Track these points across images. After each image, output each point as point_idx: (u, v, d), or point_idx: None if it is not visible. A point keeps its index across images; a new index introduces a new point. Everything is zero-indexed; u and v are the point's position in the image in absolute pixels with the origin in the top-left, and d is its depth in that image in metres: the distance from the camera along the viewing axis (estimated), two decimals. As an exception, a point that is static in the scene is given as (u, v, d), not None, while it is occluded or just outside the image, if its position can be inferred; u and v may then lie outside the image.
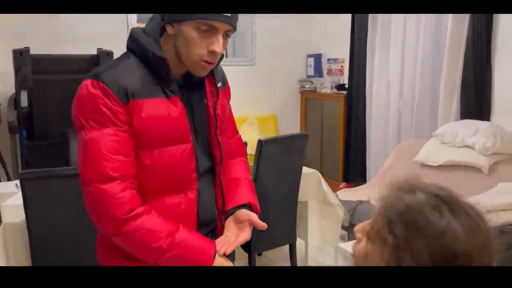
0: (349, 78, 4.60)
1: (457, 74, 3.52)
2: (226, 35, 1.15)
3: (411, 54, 3.95)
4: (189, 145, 1.21)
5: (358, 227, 0.83)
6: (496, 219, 2.45)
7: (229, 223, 1.28)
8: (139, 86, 1.14)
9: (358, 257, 0.80)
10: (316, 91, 4.96)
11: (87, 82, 1.13)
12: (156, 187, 1.19)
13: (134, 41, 1.19)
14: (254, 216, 1.27)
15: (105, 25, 4.05)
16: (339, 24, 4.67)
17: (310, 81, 5.09)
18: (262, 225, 1.26)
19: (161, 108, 1.16)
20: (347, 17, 4.50)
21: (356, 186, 4.01)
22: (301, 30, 5.05)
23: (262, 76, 4.97)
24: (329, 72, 5.00)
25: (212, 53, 1.13)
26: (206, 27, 1.10)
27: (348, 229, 3.17)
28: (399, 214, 0.73)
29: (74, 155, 2.81)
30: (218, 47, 1.13)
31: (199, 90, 1.27)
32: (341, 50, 4.73)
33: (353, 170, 4.57)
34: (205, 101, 1.27)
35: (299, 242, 3.01)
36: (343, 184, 4.39)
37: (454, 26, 3.47)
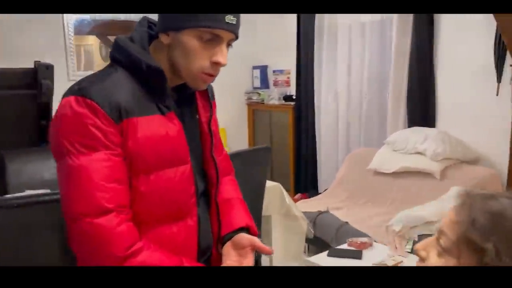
0: (296, 89, 4.64)
1: (403, 84, 3.68)
2: (229, 45, 1.06)
3: (357, 66, 4.08)
4: (188, 166, 1.09)
5: (419, 246, 0.81)
6: None
7: (228, 250, 1.16)
8: (131, 102, 1.00)
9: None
10: (263, 103, 4.95)
11: (70, 99, 0.97)
12: (153, 216, 1.05)
13: (121, 51, 1.04)
14: (257, 241, 1.17)
15: (41, 37, 3.75)
16: (284, 36, 4.71)
17: (257, 93, 5.07)
18: (268, 250, 1.16)
19: (157, 127, 1.03)
20: (292, 28, 4.55)
21: (310, 197, 4.03)
22: (246, 42, 5.02)
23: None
24: (276, 83, 5.02)
25: (216, 64, 1.03)
26: (210, 36, 1.00)
27: (312, 241, 3.14)
28: (490, 218, 0.72)
29: (14, 181, 2.52)
30: (222, 58, 1.02)
31: (191, 105, 1.16)
32: (287, 62, 4.77)
33: (305, 181, 4.59)
34: (197, 116, 1.17)
35: (264, 258, 2.94)
36: (298, 195, 4.39)
37: (399, 38, 3.63)
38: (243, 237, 1.17)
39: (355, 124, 4.19)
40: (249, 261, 1.15)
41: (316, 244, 3.18)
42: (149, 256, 0.98)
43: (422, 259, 0.81)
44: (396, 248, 2.63)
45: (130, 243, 0.97)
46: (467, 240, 0.73)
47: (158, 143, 1.03)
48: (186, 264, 1.02)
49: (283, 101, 4.77)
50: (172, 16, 1.01)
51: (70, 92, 0.99)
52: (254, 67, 5.19)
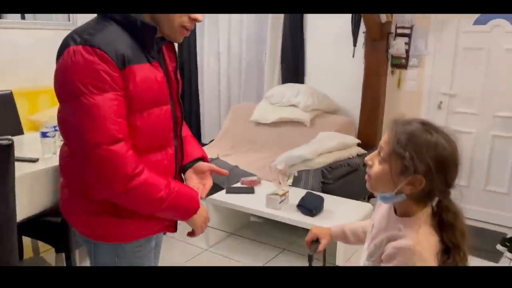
0: (179, 52, 4.82)
1: (278, 46, 4.18)
2: None
3: (237, 29, 4.44)
4: (168, 107, 1.32)
5: (367, 158, 1.16)
6: (325, 160, 3.23)
7: (190, 175, 1.46)
8: (129, 52, 1.19)
9: (373, 178, 1.13)
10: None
11: (79, 48, 1.13)
12: (144, 146, 1.26)
13: None
14: (214, 166, 1.49)
15: None
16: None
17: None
18: (224, 172, 1.48)
19: (149, 73, 1.24)
20: None
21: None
22: None
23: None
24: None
25: (194, 20, 1.26)
26: None
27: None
28: (408, 137, 1.07)
29: None
30: (200, 15, 1.27)
31: (161, 56, 1.36)
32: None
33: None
34: (165, 65, 1.37)
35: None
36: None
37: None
38: (203, 164, 1.48)
39: (235, 82, 4.60)
40: (209, 181, 1.47)
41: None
42: (148, 175, 1.22)
43: (369, 166, 1.15)
44: (280, 183, 3.17)
45: (136, 165, 1.20)
46: (395, 152, 1.09)
47: (150, 86, 1.24)
48: (172, 183, 1.28)
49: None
50: None
51: (74, 42, 1.14)
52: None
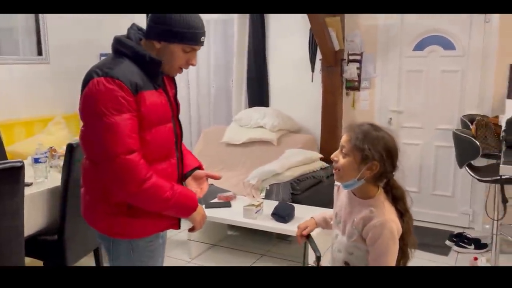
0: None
1: (244, 73, 4.56)
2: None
3: (205, 58, 4.79)
4: (171, 124, 1.64)
5: (332, 156, 1.49)
6: (293, 173, 3.66)
7: (190, 182, 1.78)
8: (140, 81, 1.50)
9: (341, 169, 1.46)
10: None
11: (101, 80, 1.43)
12: (152, 156, 1.56)
13: (125, 47, 1.52)
14: (209, 172, 1.80)
15: None
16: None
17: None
18: (218, 175, 1.79)
19: (155, 98, 1.55)
20: (143, 18, 4.95)
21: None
22: (92, 29, 5.20)
23: (59, 75, 4.91)
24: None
25: (190, 64, 1.60)
26: (190, 49, 1.56)
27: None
28: (363, 135, 1.43)
29: None
30: (195, 61, 1.61)
31: (163, 83, 1.67)
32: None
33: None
34: (166, 91, 1.68)
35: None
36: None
37: (239, 35, 4.48)
38: (200, 172, 1.80)
39: (205, 107, 4.93)
40: (206, 186, 1.79)
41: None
42: (156, 179, 1.51)
43: (336, 162, 1.49)
44: (253, 196, 3.48)
45: (147, 171, 1.49)
46: (356, 146, 1.44)
47: (157, 108, 1.55)
48: (175, 186, 1.57)
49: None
50: (166, 31, 1.52)
51: (97, 74, 1.44)
52: (102, 55, 5.39)
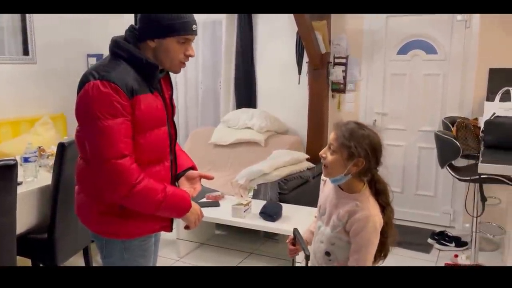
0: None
1: (231, 74, 4.61)
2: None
3: (193, 60, 4.82)
4: (166, 127, 1.65)
5: (321, 153, 1.56)
6: (280, 173, 3.73)
7: (183, 182, 1.78)
8: (136, 85, 1.52)
9: (329, 166, 1.53)
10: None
11: (96, 83, 1.44)
12: (146, 159, 1.56)
13: (122, 49, 1.54)
14: (202, 173, 1.82)
15: None
16: (121, 25, 5.05)
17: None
18: (211, 176, 1.83)
19: (151, 101, 1.56)
20: (130, 19, 4.96)
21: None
22: (80, 29, 5.19)
23: (46, 75, 4.89)
24: (113, 71, 5.33)
25: (188, 56, 1.60)
26: (184, 40, 1.57)
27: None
28: (350, 133, 1.50)
29: None
30: (192, 51, 1.62)
31: (159, 86, 1.68)
32: (124, 52, 5.14)
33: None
34: (162, 93, 1.69)
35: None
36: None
37: (227, 37, 4.54)
38: (193, 172, 1.81)
39: (193, 108, 4.97)
40: (199, 186, 1.79)
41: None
42: (148, 182, 1.52)
43: (324, 158, 1.56)
44: (241, 196, 3.54)
45: (138, 175, 1.50)
46: (342, 144, 1.52)
47: (152, 112, 1.56)
48: (167, 188, 1.57)
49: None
50: (156, 27, 1.53)
51: (93, 77, 1.45)
52: (89, 55, 5.38)
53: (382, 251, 1.55)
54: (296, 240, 1.73)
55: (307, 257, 1.60)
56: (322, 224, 1.65)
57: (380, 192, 1.55)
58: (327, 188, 1.67)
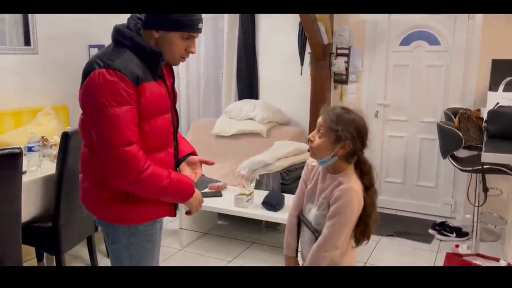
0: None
1: (233, 66, 4.61)
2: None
3: (195, 54, 4.80)
4: (169, 115, 1.67)
5: (309, 136, 1.60)
6: (283, 163, 3.76)
7: (184, 167, 1.81)
8: (141, 73, 1.52)
9: (315, 149, 1.58)
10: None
11: (102, 71, 1.44)
12: (150, 146, 1.57)
13: (126, 38, 1.54)
14: (203, 158, 1.84)
15: None
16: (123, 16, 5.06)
17: (97, 71, 5.29)
18: (212, 161, 1.84)
19: (155, 89, 1.57)
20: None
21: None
22: (81, 20, 5.18)
23: (48, 65, 4.89)
24: (114, 62, 5.33)
25: (190, 52, 1.62)
26: (188, 36, 1.59)
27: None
28: (337, 117, 1.55)
29: None
30: (194, 49, 1.63)
31: (161, 73, 1.70)
32: (126, 43, 5.14)
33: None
34: (165, 81, 1.69)
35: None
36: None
37: (229, 29, 4.53)
38: (194, 157, 1.84)
39: (194, 99, 4.97)
40: (200, 170, 1.83)
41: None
42: (154, 168, 1.54)
43: (311, 142, 1.60)
44: (243, 186, 3.55)
45: (145, 161, 1.52)
46: (330, 128, 1.56)
47: (156, 99, 1.57)
48: (172, 174, 1.59)
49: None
50: (163, 19, 1.54)
51: (98, 65, 1.45)
52: (91, 46, 5.38)
53: (365, 232, 1.61)
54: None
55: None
56: (312, 206, 1.70)
57: (364, 173, 1.61)
58: (314, 172, 1.72)
